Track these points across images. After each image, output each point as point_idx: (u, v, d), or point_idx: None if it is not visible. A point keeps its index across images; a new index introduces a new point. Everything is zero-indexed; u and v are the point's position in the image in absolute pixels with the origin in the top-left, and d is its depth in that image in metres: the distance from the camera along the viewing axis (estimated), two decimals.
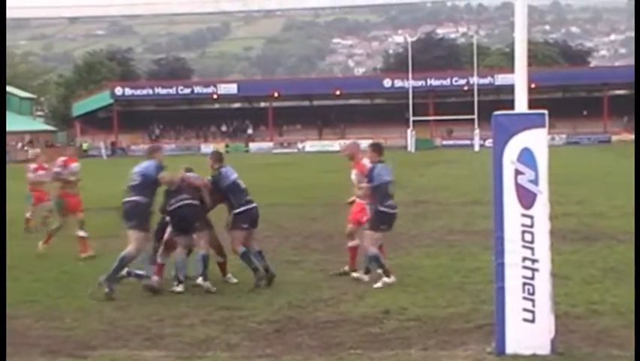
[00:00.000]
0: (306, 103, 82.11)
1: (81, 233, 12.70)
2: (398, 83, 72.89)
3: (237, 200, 9.81)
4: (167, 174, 9.81)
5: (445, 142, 71.07)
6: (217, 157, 10.25)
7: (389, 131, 73.05)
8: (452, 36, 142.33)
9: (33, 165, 16.92)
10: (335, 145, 71.36)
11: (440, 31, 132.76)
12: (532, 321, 6.59)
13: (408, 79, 68.76)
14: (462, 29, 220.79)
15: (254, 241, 10.01)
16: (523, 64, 6.79)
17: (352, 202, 10.91)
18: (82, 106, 76.91)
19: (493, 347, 6.69)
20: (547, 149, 6.65)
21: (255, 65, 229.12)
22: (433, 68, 77.94)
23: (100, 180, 34.42)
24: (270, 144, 73.73)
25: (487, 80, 70.74)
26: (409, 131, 65.87)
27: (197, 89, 77.89)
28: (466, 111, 65.60)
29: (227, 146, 72.46)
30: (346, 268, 10.54)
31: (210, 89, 76.98)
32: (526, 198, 6.59)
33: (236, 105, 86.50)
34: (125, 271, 9.62)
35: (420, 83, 70.91)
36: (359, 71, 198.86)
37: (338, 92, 75.39)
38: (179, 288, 9.51)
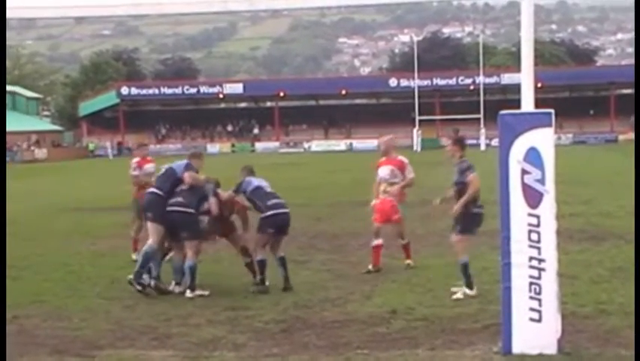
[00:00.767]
0: (312, 103, 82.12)
1: None
2: (404, 83, 72.84)
3: (263, 204, 9.52)
4: (190, 175, 9.60)
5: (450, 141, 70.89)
6: (247, 170, 9.98)
7: (395, 131, 72.23)
8: (458, 35, 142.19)
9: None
10: (341, 145, 71.53)
11: (446, 31, 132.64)
12: (539, 321, 6.58)
13: (414, 78, 68.73)
14: (468, 29, 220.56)
15: (279, 247, 9.68)
16: (529, 63, 6.78)
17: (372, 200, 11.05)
18: (88, 106, 77.13)
19: (500, 347, 6.68)
20: (554, 148, 6.63)
21: (261, 65, 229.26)
22: (439, 68, 77.85)
23: (106, 180, 34.54)
24: (276, 144, 73.76)
25: (493, 80, 70.66)
26: (414, 130, 65.80)
27: (204, 89, 78.00)
28: (472, 111, 65.50)
29: (233, 146, 72.63)
30: (370, 267, 10.56)
31: (216, 89, 77.09)
32: (533, 198, 6.58)
33: (243, 105, 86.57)
34: (152, 283, 9.50)
35: (426, 82, 70.84)
36: (365, 70, 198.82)
37: (344, 92, 75.39)
38: (177, 289, 9.47)
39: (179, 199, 9.50)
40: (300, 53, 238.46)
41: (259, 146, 73.47)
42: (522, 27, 6.79)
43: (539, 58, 55.54)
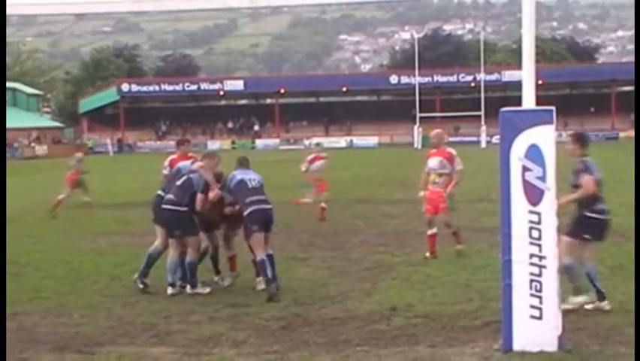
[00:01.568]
0: (313, 100, 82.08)
1: None
2: (405, 80, 72.82)
3: (243, 200, 9.22)
4: (199, 165, 9.57)
5: (451, 139, 70.89)
6: (238, 162, 9.79)
7: (395, 128, 73.08)
8: (459, 32, 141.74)
9: (310, 157, 17.19)
10: (341, 142, 71.46)
11: (447, 28, 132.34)
12: (540, 318, 6.57)
13: (414, 75, 68.68)
14: (469, 26, 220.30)
15: (267, 245, 9.34)
16: (530, 60, 6.77)
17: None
18: (89, 103, 77.13)
19: (501, 344, 6.68)
20: (555, 145, 6.62)
21: (261, 62, 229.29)
22: (440, 65, 77.83)
23: (106, 176, 34.53)
24: (277, 141, 73.75)
25: (494, 77, 70.64)
26: (415, 127, 65.76)
27: (204, 86, 78.02)
28: (473, 108, 65.48)
29: (233, 142, 72.60)
30: (427, 254, 11.05)
31: (217, 86, 77.09)
32: (534, 195, 6.57)
33: (243, 102, 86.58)
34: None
35: (426, 79, 70.86)
36: (365, 67, 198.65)
37: (344, 89, 75.34)
38: (170, 290, 9.28)
39: (170, 196, 9.46)
40: (300, 49, 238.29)
41: (259, 143, 73.46)
42: (523, 24, 6.78)
43: (540, 55, 55.50)
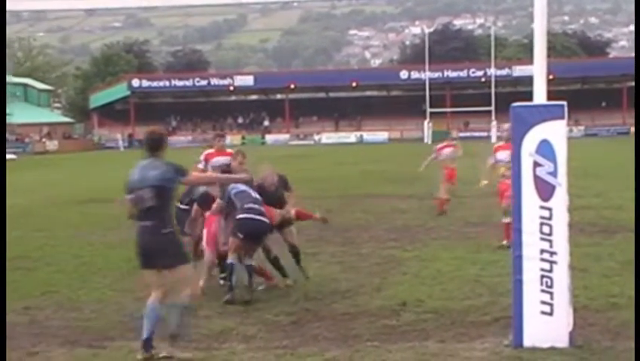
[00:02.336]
0: (323, 95, 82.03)
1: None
2: (415, 75, 72.68)
3: (241, 205, 8.75)
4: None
5: (461, 134, 70.75)
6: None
7: (405, 123, 72.95)
8: (469, 27, 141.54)
9: (439, 145, 17.51)
10: (351, 137, 71.43)
11: (457, 23, 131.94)
12: (551, 314, 6.55)
13: (425, 70, 68.54)
14: (479, 20, 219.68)
15: (249, 256, 8.81)
16: (542, 55, 6.73)
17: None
18: (99, 98, 77.36)
19: (511, 340, 6.66)
20: (566, 140, 6.60)
21: (271, 57, 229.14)
22: (450, 60, 77.59)
23: (117, 171, 34.66)
24: (287, 136, 73.76)
25: (504, 72, 70.40)
26: (425, 123, 65.67)
27: (214, 81, 78.08)
28: (483, 103, 65.30)
29: (243, 138, 72.61)
30: (505, 242, 11.00)
31: (227, 81, 77.13)
32: (545, 191, 6.55)
33: (253, 97, 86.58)
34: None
35: (437, 74, 70.69)
36: (375, 62, 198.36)
37: (354, 84, 75.26)
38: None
39: (181, 198, 9.44)
40: (310, 45, 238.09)
41: (269, 138, 73.49)
42: (535, 18, 6.74)
43: (551, 50, 55.11)
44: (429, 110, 66.25)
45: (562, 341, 6.52)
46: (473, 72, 72.79)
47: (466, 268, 10.04)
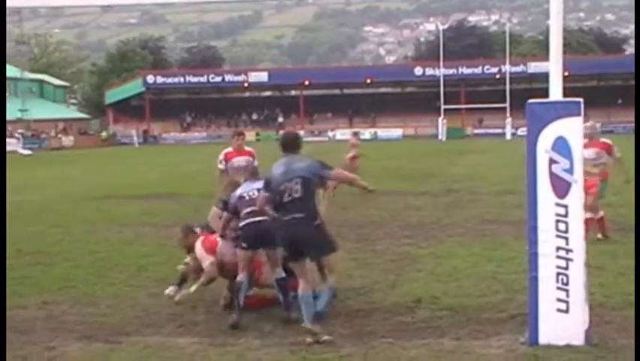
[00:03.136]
0: (337, 91, 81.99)
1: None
2: (429, 72, 72.53)
3: (241, 213, 7.84)
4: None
5: (476, 131, 70.61)
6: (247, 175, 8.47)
7: (420, 120, 72.83)
8: (484, 24, 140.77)
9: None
10: (366, 133, 71.28)
11: (472, 19, 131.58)
12: (566, 311, 6.52)
13: (439, 67, 68.38)
14: (494, 17, 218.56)
15: (276, 265, 7.83)
16: (558, 51, 6.70)
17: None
18: (114, 94, 77.71)
19: (527, 338, 6.64)
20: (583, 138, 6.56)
21: (285, 54, 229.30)
22: (465, 57, 77.37)
23: (132, 167, 34.79)
24: (301, 133, 73.48)
25: (519, 69, 70.16)
26: (439, 119, 65.51)
27: (228, 78, 78.25)
28: (498, 100, 65.07)
29: (257, 134, 72.71)
30: (599, 235, 11.44)
31: (241, 78, 77.26)
32: (561, 188, 6.52)
33: (267, 93, 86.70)
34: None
35: (451, 71, 70.52)
36: (390, 59, 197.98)
37: (369, 81, 75.15)
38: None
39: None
40: (325, 41, 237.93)
41: None
42: (551, 14, 6.71)
43: (567, 46, 54.68)
44: (443, 106, 66.07)
45: (578, 339, 6.50)
46: (488, 69, 72.56)
47: (482, 265, 10.01)
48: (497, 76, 70.26)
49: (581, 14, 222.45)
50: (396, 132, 71.62)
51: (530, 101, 6.68)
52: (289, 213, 6.92)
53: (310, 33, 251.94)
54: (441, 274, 9.52)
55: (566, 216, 6.51)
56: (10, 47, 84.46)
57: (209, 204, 9.61)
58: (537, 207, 6.57)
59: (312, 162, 7.03)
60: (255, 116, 78.62)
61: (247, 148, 10.71)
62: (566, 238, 6.52)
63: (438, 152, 40.72)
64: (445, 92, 66.58)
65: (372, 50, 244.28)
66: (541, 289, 6.56)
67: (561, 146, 6.50)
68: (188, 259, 8.74)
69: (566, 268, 6.52)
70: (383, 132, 71.57)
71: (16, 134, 62.10)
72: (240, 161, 10.33)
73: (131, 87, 77.46)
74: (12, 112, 65.28)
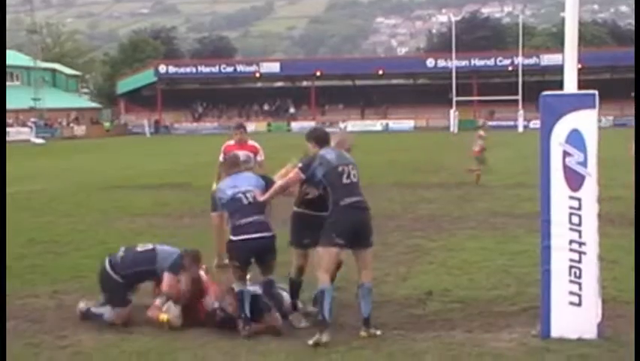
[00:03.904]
0: (349, 83, 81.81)
1: None
2: (441, 63, 72.26)
3: (234, 223, 7.01)
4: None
5: (489, 123, 70.29)
6: (226, 165, 7.79)
7: (432, 112, 72.59)
8: (497, 15, 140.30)
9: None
10: (377, 125, 71.17)
11: (485, 11, 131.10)
12: (579, 305, 6.49)
13: (451, 59, 68.03)
14: (507, 9, 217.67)
15: (267, 272, 7.30)
16: (573, 43, 6.64)
17: None
18: (126, 84, 77.89)
19: (539, 331, 6.61)
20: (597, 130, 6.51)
21: (297, 45, 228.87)
22: (477, 48, 77.06)
23: (143, 158, 34.87)
24: (312, 124, 73.28)
25: (532, 61, 69.78)
26: (451, 111, 65.27)
27: (240, 68, 78.20)
28: (511, 92, 64.74)
29: (269, 125, 72.79)
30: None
31: (253, 68, 77.20)
32: (574, 181, 6.48)
33: (279, 84, 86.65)
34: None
35: (464, 63, 70.21)
36: (402, 50, 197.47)
37: (381, 72, 74.93)
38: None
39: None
40: (336, 32, 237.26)
41: (295, 125, 73.40)
42: (566, 6, 6.65)
43: (580, 39, 53.93)
44: (455, 98, 65.81)
45: (590, 333, 6.47)
46: (500, 61, 72.21)
47: (494, 258, 9.97)
48: (510, 68, 69.91)
49: (595, 6, 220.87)
50: (407, 124, 71.44)
51: (545, 93, 6.64)
52: (352, 195, 6.96)
53: (322, 24, 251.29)
54: (452, 267, 9.50)
55: (579, 209, 6.48)
56: (21, 35, 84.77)
57: None
58: (550, 200, 6.54)
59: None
60: (266, 107, 78.61)
61: (251, 143, 10.06)
62: (579, 231, 6.48)
63: (450, 144, 40.60)
64: (457, 84, 66.31)
65: (384, 41, 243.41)
66: (554, 282, 6.53)
67: (575, 139, 6.46)
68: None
69: (579, 262, 6.48)
70: (395, 124, 71.42)
71: (29, 123, 62.30)
72: (241, 156, 9.43)
73: (143, 77, 77.56)
74: (25, 101, 65.49)
